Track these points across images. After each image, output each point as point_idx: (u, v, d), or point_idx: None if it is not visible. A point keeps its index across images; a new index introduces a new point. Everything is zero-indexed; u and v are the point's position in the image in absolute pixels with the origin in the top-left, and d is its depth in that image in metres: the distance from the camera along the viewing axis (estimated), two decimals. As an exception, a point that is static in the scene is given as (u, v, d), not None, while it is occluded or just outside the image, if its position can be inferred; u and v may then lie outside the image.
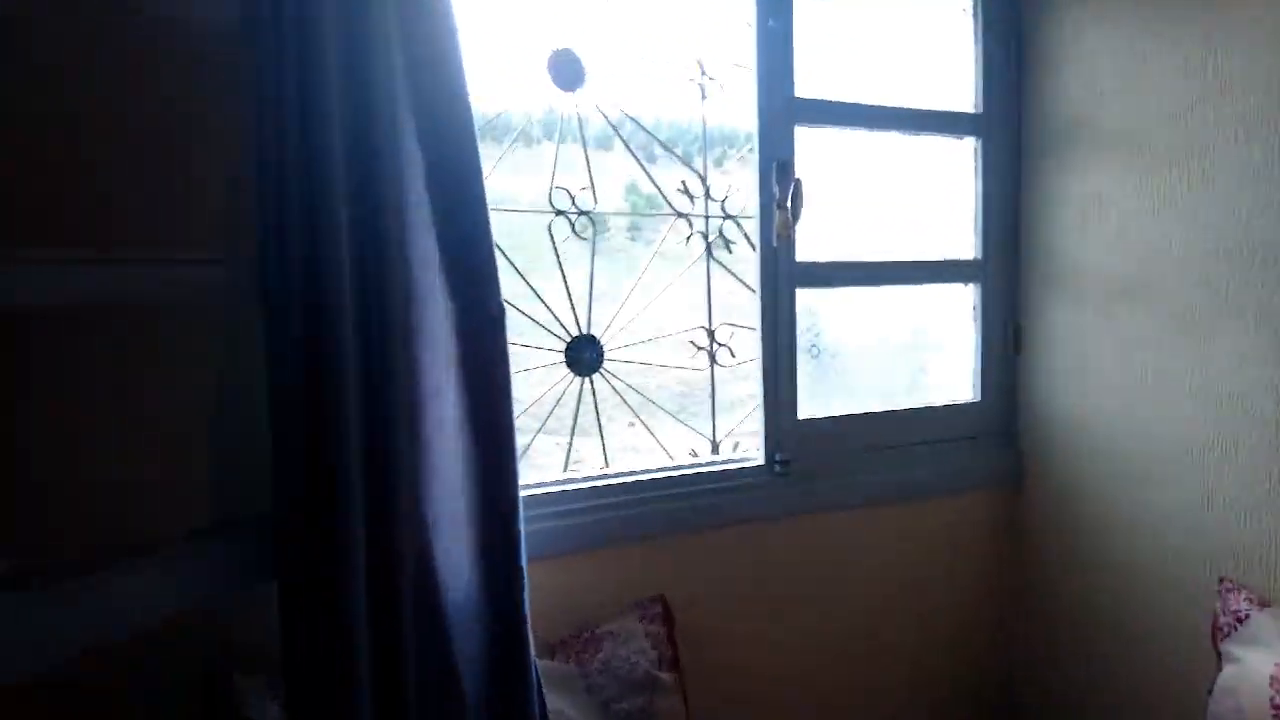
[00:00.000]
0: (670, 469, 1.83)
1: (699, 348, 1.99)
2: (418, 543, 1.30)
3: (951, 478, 2.08)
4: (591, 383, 1.88)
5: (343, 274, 1.15)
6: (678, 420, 2.06)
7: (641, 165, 1.91)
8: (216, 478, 1.30)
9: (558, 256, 1.84)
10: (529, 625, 1.37)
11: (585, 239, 1.86)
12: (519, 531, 1.35)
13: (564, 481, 1.74)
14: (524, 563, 1.36)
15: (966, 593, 2.14)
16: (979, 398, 2.13)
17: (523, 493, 1.65)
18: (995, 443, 2.14)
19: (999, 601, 2.18)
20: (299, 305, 1.15)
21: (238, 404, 1.30)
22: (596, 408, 1.89)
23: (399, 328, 1.23)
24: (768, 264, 1.86)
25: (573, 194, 1.82)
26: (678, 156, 1.94)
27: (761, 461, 1.88)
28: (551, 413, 1.89)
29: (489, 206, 1.33)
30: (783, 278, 1.86)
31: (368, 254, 1.21)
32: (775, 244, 1.84)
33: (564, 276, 1.85)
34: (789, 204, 1.82)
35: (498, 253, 1.79)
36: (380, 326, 1.22)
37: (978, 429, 2.12)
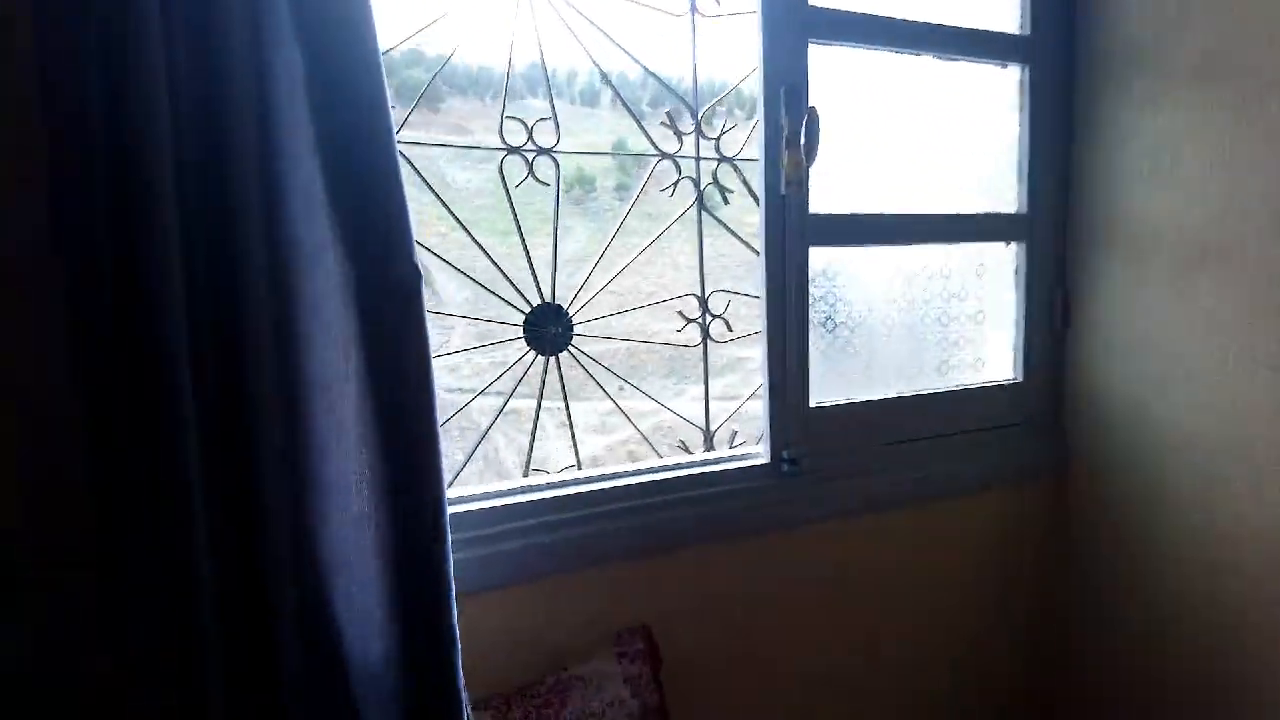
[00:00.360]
0: (655, 470, 1.48)
1: (688, 319, 1.63)
2: (312, 590, 0.95)
3: (987, 472, 1.73)
4: (558, 363, 1.51)
5: (164, 208, 0.77)
6: (663, 407, 1.71)
7: (621, 99, 1.53)
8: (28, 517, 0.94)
9: (511, 205, 1.46)
10: (464, 697, 1.02)
11: (546, 184, 1.49)
12: (446, 566, 1.00)
13: (522, 490, 1.38)
14: (455, 613, 1.00)
15: (1004, 601, 1.80)
16: (1020, 378, 1.78)
17: (470, 505, 1.30)
18: (1037, 430, 1.80)
19: (1042, 614, 1.85)
20: (107, 264, 0.78)
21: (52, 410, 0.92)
22: (565, 395, 1.53)
23: (262, 298, 0.87)
24: (774, 216, 1.49)
25: (529, 125, 1.44)
26: (657, 78, 1.56)
27: (766, 459, 1.52)
28: (507, 403, 1.53)
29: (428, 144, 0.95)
30: (792, 233, 1.49)
31: (211, 189, 0.83)
32: (784, 191, 1.47)
33: (519, 229, 1.48)
34: (801, 140, 1.45)
35: (437, 201, 1.45)
36: (233, 299, 0.85)
37: (1018, 414, 1.78)
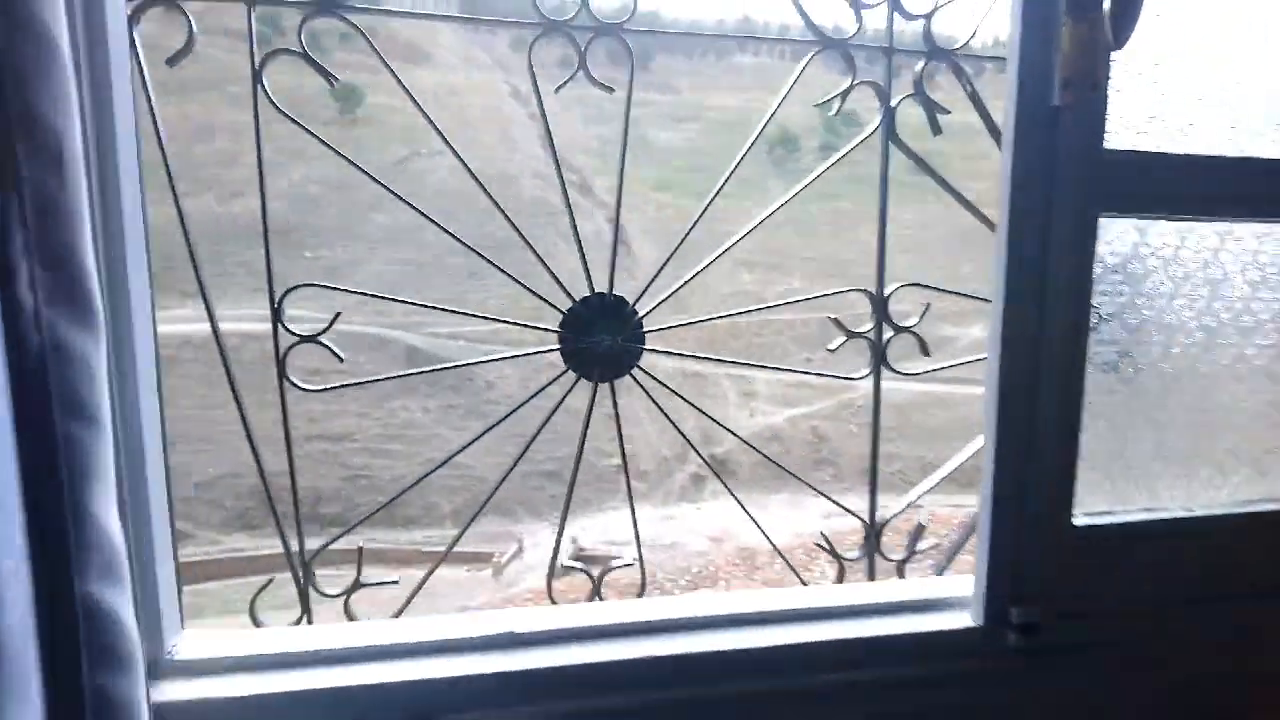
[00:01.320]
0: (775, 616, 0.80)
1: (851, 333, 0.93)
2: None
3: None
4: (614, 394, 0.87)
5: None
6: (800, 481, 1.03)
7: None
8: None
9: (543, 115, 0.83)
10: None
11: (610, 89, 0.84)
12: None
13: (538, 641, 0.75)
14: None
15: None
16: None
17: (433, 667, 0.70)
18: None
19: None
20: None
21: None
22: (623, 451, 0.89)
23: None
24: (1031, 149, 0.76)
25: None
26: None
27: (977, 619, 0.81)
28: (515, 466, 0.91)
29: None
30: (1067, 184, 0.76)
31: None
32: (1058, 100, 0.74)
33: (556, 162, 0.85)
34: (1104, 5, 0.71)
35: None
36: None
37: None
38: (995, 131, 0.90)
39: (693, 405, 0.96)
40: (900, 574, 0.96)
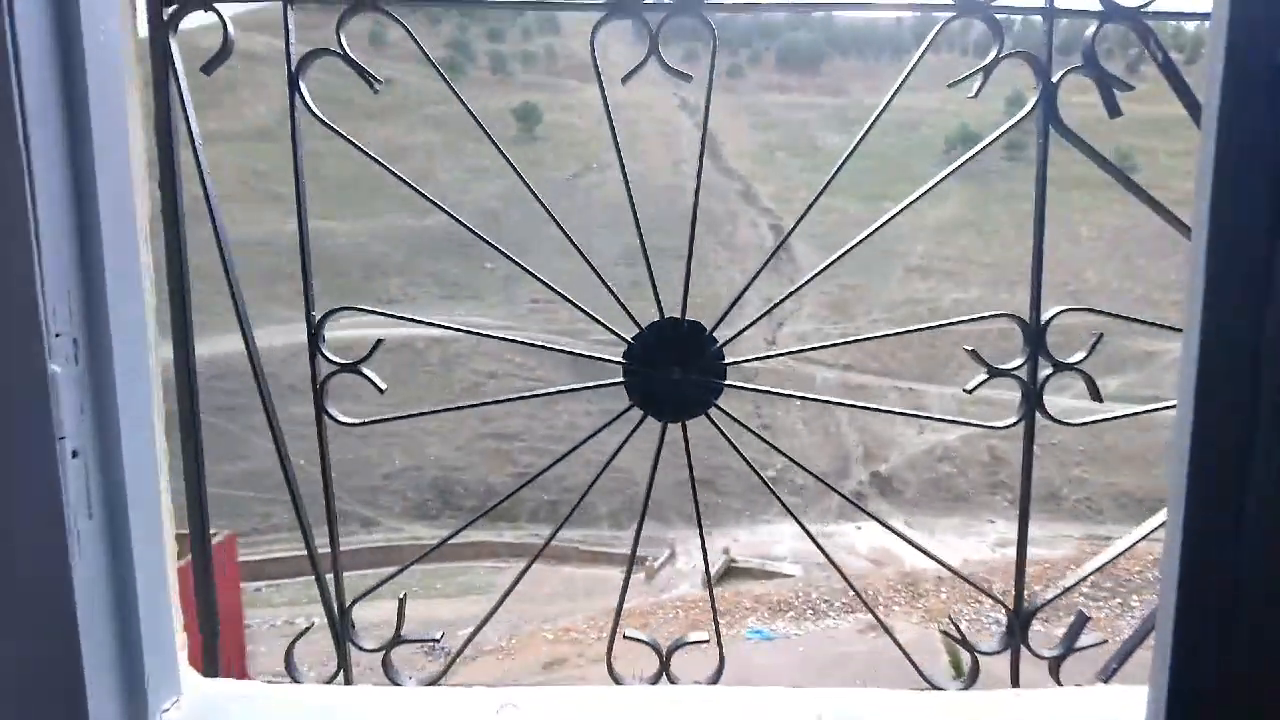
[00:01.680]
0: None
1: (995, 370, 0.74)
2: None
3: None
4: (686, 439, 0.73)
5: None
6: (956, 572, 0.84)
7: None
8: None
9: (606, 109, 0.70)
10: None
11: (687, 78, 0.70)
12: None
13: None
14: None
15: None
16: None
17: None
18: None
19: None
20: None
21: None
22: (698, 509, 0.74)
23: None
24: (1248, 127, 0.54)
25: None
26: None
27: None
28: (568, 518, 0.77)
29: None
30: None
31: None
32: (1291, 57, 0.52)
33: (615, 157, 0.71)
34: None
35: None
36: None
37: None
38: (1196, 108, 0.68)
39: (770, 444, 0.79)
40: (1054, 675, 0.75)
